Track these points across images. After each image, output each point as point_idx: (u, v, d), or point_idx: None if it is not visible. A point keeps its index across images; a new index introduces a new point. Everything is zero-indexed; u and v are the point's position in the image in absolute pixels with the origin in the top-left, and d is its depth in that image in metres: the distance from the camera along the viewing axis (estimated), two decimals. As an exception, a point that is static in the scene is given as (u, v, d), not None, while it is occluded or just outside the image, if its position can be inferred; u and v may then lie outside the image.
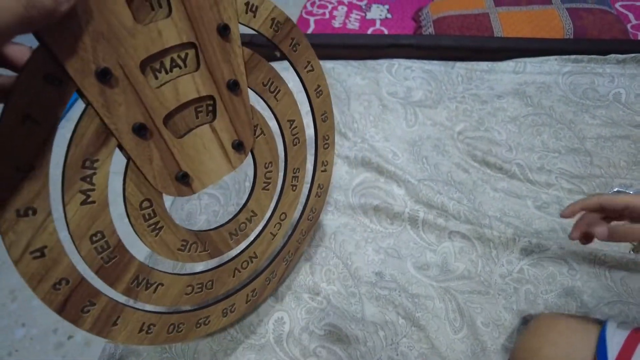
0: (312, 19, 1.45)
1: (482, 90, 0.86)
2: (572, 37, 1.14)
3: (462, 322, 0.60)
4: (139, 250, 0.41)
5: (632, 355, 0.42)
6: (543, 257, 0.64)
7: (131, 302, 0.41)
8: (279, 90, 0.45)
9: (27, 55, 0.27)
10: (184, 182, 0.39)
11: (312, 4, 1.52)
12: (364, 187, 0.74)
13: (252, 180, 0.49)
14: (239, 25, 0.38)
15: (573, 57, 0.88)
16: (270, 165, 0.48)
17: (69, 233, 0.32)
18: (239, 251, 0.50)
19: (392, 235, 0.69)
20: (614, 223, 0.46)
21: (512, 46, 0.91)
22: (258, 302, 0.57)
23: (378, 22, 1.44)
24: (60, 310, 0.33)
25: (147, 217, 0.38)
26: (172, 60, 0.34)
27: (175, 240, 0.41)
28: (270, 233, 0.53)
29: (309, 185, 0.57)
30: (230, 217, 0.48)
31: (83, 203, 0.32)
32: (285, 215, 0.54)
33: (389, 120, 0.83)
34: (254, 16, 0.39)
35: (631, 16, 1.33)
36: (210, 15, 0.34)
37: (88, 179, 0.32)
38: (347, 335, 0.57)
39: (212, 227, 0.46)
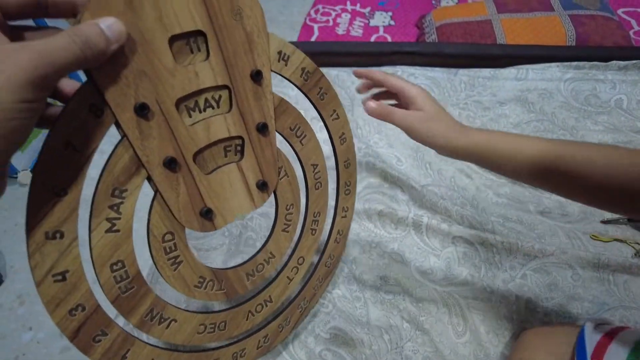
0: (316, 26, 1.47)
1: (485, 97, 0.87)
2: (574, 43, 1.15)
3: (465, 327, 0.61)
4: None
5: (605, 353, 0.43)
6: (546, 262, 0.65)
7: (144, 337, 0.41)
8: (305, 135, 0.47)
9: (75, 89, 0.29)
10: (207, 217, 0.39)
11: (316, 12, 1.54)
12: (369, 192, 0.75)
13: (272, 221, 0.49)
14: (272, 72, 0.40)
15: (575, 63, 0.89)
16: (291, 207, 0.49)
17: (91, 259, 0.33)
18: (254, 293, 0.50)
19: (396, 240, 0.70)
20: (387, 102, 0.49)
21: (514, 53, 0.93)
22: (269, 349, 0.56)
23: (381, 29, 1.45)
24: (73, 337, 0.34)
25: (168, 250, 0.38)
26: (206, 100, 0.36)
27: (192, 276, 0.41)
28: (287, 277, 0.53)
29: (328, 230, 0.57)
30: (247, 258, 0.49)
31: (108, 231, 0.33)
32: (303, 260, 0.54)
33: (393, 126, 0.84)
34: (286, 65, 0.41)
35: (634, 22, 1.34)
36: (244, 61, 0.36)
37: (115, 208, 0.33)
38: (352, 338, 0.58)
39: (229, 266, 0.46)
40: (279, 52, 0.40)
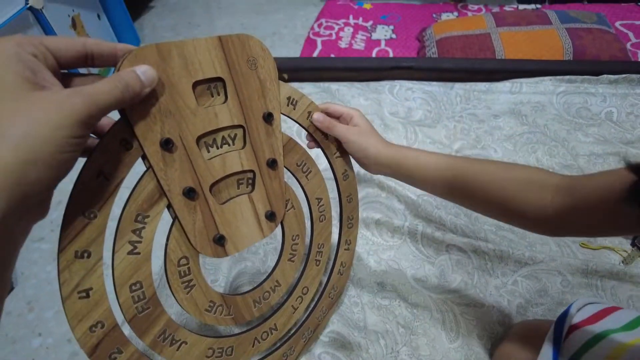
0: (319, 40, 1.51)
1: (480, 109, 0.90)
2: (571, 56, 1.18)
3: (457, 332, 0.63)
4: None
5: (601, 320, 0.47)
6: (537, 269, 0.67)
7: (157, 358, 0.43)
8: (310, 171, 0.51)
9: (107, 123, 0.34)
10: (219, 244, 0.42)
11: (319, 26, 1.59)
12: (366, 201, 0.79)
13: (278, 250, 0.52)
14: (281, 115, 0.45)
15: (567, 77, 0.92)
16: (297, 237, 0.52)
17: (113, 279, 0.35)
18: (260, 321, 0.52)
19: (393, 247, 0.73)
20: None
21: (508, 67, 0.96)
22: None
23: (383, 43, 1.49)
24: (91, 353, 0.35)
25: (182, 274, 0.41)
26: (223, 137, 0.41)
27: (204, 300, 0.44)
28: (292, 306, 0.55)
29: (331, 263, 0.59)
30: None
31: (130, 253, 0.36)
32: (307, 289, 0.56)
33: (390, 138, 0.87)
34: (294, 108, 0.47)
35: (631, 35, 1.36)
36: (258, 105, 0.41)
37: (137, 232, 0.36)
38: (350, 342, 0.61)
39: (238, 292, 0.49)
40: (288, 98, 0.45)
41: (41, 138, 0.24)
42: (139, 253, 0.37)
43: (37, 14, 1.40)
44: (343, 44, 1.50)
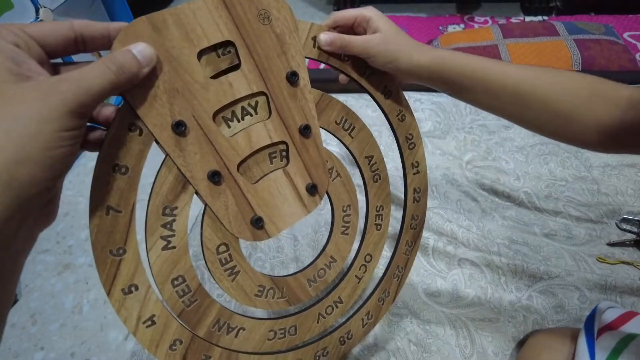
0: (326, 53, 1.51)
1: (490, 120, 0.89)
2: (580, 67, 1.17)
3: (472, 349, 0.61)
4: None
5: (627, 323, 0.47)
6: (552, 284, 0.65)
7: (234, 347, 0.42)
8: (354, 127, 0.44)
9: (111, 112, 0.31)
10: (258, 226, 0.39)
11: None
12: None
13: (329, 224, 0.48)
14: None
15: (578, 88, 0.90)
16: (348, 208, 0.47)
17: (152, 277, 0.34)
18: (321, 297, 0.48)
19: (403, 262, 0.71)
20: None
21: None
22: (374, 325, 0.53)
23: (389, 55, 1.49)
24: None
25: (223, 261, 0.38)
26: (243, 108, 0.36)
27: (252, 286, 0.41)
28: (356, 276, 0.50)
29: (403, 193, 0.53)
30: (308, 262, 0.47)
31: (164, 248, 0.34)
32: (371, 257, 0.51)
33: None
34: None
35: (639, 45, 1.35)
36: (278, 64, 0.36)
37: (168, 226, 0.34)
38: (359, 360, 0.59)
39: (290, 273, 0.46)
40: (314, 38, 0.39)
41: (28, 134, 0.22)
42: (174, 247, 0.34)
43: (47, 27, 1.41)
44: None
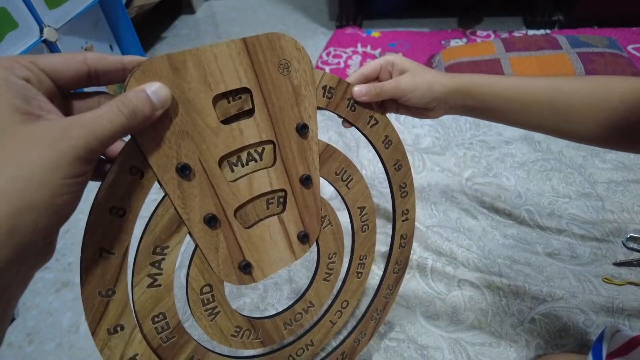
0: (327, 68, 1.51)
1: (490, 136, 0.87)
2: (583, 80, 1.15)
3: (472, 375, 0.59)
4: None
5: (637, 349, 0.44)
6: (556, 307, 0.63)
7: None
8: (351, 179, 0.45)
9: (119, 146, 0.30)
10: (246, 271, 0.39)
11: (328, 54, 1.60)
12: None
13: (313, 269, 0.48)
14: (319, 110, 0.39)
15: (581, 102, 0.88)
16: (334, 255, 0.47)
17: (134, 312, 0.33)
18: (294, 339, 0.49)
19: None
20: None
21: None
22: None
23: (391, 70, 1.49)
24: None
25: (205, 301, 0.38)
26: (249, 154, 0.35)
27: (229, 326, 0.41)
28: (330, 321, 0.51)
29: (390, 238, 0.54)
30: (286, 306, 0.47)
31: (150, 286, 0.33)
32: (347, 303, 0.51)
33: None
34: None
35: (644, 58, 1.33)
36: (290, 115, 0.36)
37: (157, 264, 0.33)
38: (354, 386, 0.57)
39: (265, 315, 0.46)
40: (324, 87, 0.39)
41: (34, 182, 0.21)
42: (159, 285, 0.34)
43: (51, 46, 1.43)
44: (351, 72, 1.50)
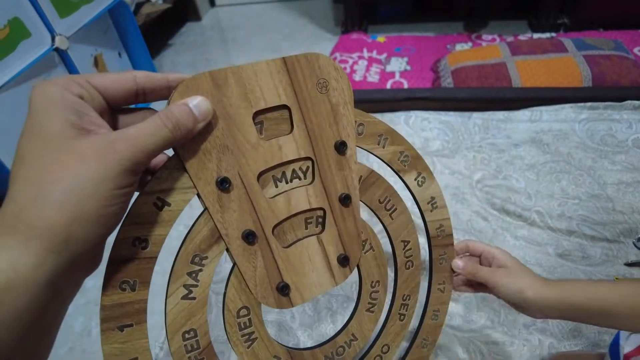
0: (334, 73, 1.52)
1: (499, 139, 0.88)
2: (590, 83, 1.16)
3: (486, 374, 0.59)
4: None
5: None
6: (568, 307, 0.63)
7: None
8: (395, 209, 0.44)
9: (161, 159, 0.31)
10: (284, 293, 0.37)
11: (334, 59, 1.61)
12: (384, 235, 0.76)
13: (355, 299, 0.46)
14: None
15: (589, 104, 0.89)
16: (377, 284, 0.45)
17: (165, 325, 0.33)
18: None
19: (413, 284, 0.70)
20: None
21: (527, 96, 0.94)
22: None
23: (397, 74, 1.50)
24: None
25: (242, 325, 0.37)
26: (294, 171, 0.36)
27: (267, 355, 0.39)
28: None
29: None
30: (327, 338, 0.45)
31: (184, 297, 0.33)
32: (388, 348, 0.48)
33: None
34: (420, 186, 0.42)
35: (650, 60, 1.34)
36: (329, 133, 0.36)
37: (194, 275, 0.33)
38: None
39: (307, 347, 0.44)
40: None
41: (85, 194, 0.23)
42: (194, 298, 0.33)
43: (63, 54, 1.45)
44: (357, 77, 1.51)
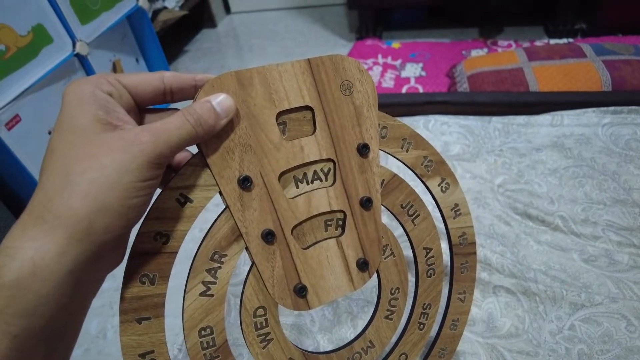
0: (349, 79, 1.53)
1: (520, 143, 0.87)
2: (610, 88, 1.14)
3: (512, 382, 0.58)
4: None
5: None
6: (596, 312, 0.62)
7: None
8: (418, 215, 0.43)
9: (184, 157, 0.33)
10: (301, 295, 0.38)
11: (350, 65, 1.62)
12: (405, 239, 0.75)
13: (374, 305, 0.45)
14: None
15: (612, 108, 0.88)
16: (397, 291, 0.44)
17: (182, 322, 0.33)
18: None
19: (435, 288, 0.69)
20: None
21: (547, 100, 0.93)
22: None
23: (412, 80, 1.50)
24: None
25: (258, 325, 0.37)
26: (315, 172, 0.36)
27: (282, 357, 0.39)
28: None
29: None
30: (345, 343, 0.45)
31: (202, 294, 0.33)
32: (406, 357, 0.47)
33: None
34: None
35: (671, 65, 1.31)
36: (352, 135, 0.36)
37: (213, 272, 0.33)
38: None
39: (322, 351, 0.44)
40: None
41: (108, 184, 0.23)
42: (212, 295, 0.34)
43: (83, 59, 1.48)
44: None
